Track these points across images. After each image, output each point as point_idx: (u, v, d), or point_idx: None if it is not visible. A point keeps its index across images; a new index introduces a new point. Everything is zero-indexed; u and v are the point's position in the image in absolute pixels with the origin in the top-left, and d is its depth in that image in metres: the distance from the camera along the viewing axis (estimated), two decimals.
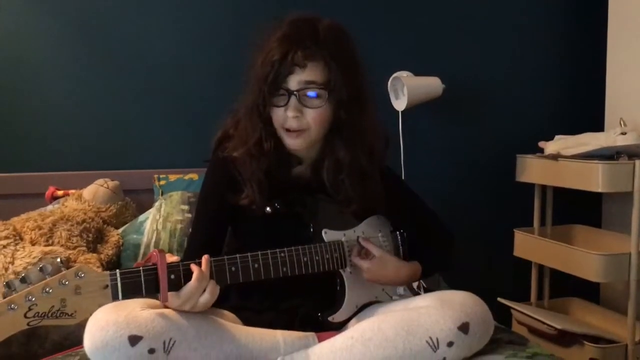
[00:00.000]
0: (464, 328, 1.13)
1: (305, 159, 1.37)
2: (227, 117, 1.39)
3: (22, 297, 0.99)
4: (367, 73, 1.34)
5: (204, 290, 1.12)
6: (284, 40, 1.25)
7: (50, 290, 1.00)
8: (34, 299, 0.99)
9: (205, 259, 1.13)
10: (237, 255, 1.17)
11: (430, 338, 1.12)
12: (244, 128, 1.33)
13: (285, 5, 1.32)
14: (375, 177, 1.36)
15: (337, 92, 1.27)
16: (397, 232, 1.44)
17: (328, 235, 1.31)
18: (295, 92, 1.25)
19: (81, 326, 1.07)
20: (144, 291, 1.08)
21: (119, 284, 1.06)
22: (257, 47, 1.29)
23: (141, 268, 1.08)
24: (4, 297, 0.99)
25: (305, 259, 1.24)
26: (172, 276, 1.10)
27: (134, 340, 1.05)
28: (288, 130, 1.29)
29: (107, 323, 1.06)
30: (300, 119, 1.27)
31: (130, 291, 1.07)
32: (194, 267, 1.11)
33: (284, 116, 1.27)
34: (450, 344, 1.12)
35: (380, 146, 1.40)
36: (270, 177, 1.32)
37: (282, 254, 1.22)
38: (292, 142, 1.30)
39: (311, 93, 1.26)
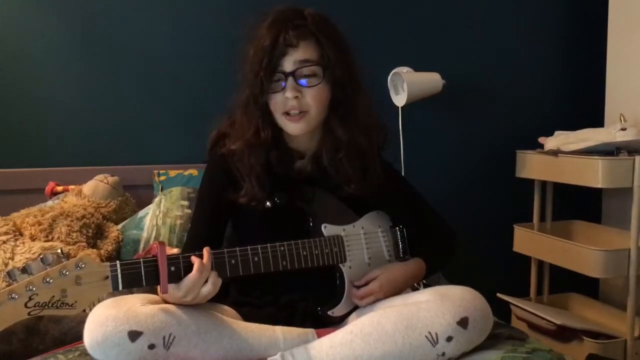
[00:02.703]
0: (463, 323, 1.13)
1: (306, 152, 1.37)
2: (222, 117, 1.38)
3: (23, 287, 0.99)
4: (357, 57, 1.35)
5: (206, 282, 1.13)
6: (273, 25, 1.26)
7: (51, 281, 1.01)
8: (34, 289, 1.00)
9: (206, 250, 1.13)
10: (237, 249, 1.18)
11: (430, 333, 1.12)
12: (240, 123, 1.33)
13: (285, 3, 1.32)
14: (374, 159, 1.37)
15: (332, 69, 1.27)
16: (397, 228, 1.44)
17: (328, 229, 1.32)
18: (291, 73, 1.25)
19: (81, 322, 1.08)
20: (144, 282, 1.09)
21: (119, 275, 1.06)
22: (247, 40, 1.30)
23: (141, 259, 1.09)
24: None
25: (304, 252, 1.25)
26: (172, 268, 1.10)
27: (134, 335, 1.06)
28: (288, 114, 1.28)
29: (106, 318, 1.06)
30: (300, 100, 1.27)
31: (131, 282, 1.08)
32: (194, 258, 1.11)
33: (283, 99, 1.27)
34: (449, 339, 1.12)
35: (378, 131, 1.40)
36: (271, 172, 1.33)
37: (282, 248, 1.22)
38: (294, 127, 1.30)
39: (307, 71, 1.26)
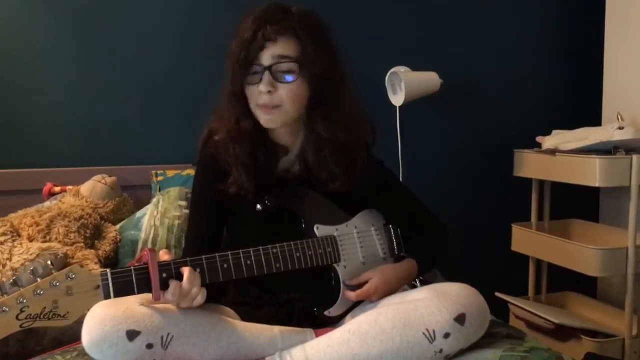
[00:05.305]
0: (460, 319, 1.13)
1: (290, 147, 1.37)
2: (210, 115, 1.38)
3: (14, 299, 0.99)
4: (342, 53, 1.34)
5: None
6: (255, 20, 1.27)
7: (42, 292, 1.00)
8: (25, 301, 0.99)
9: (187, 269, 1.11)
10: (229, 252, 1.17)
11: (427, 330, 1.12)
12: (224, 113, 1.33)
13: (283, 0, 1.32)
14: (361, 155, 1.36)
15: (310, 66, 1.27)
16: (390, 226, 1.44)
17: (320, 230, 1.31)
18: (268, 67, 1.25)
19: (79, 322, 1.08)
20: (135, 290, 1.08)
21: (110, 284, 1.06)
22: (233, 35, 1.30)
23: (132, 267, 1.08)
24: None
25: (297, 254, 1.24)
26: (164, 275, 1.09)
27: (131, 335, 1.06)
28: (261, 106, 1.29)
29: (105, 318, 1.06)
30: (272, 95, 1.26)
31: (122, 291, 1.07)
32: (184, 268, 1.11)
33: (257, 92, 1.27)
34: (446, 335, 1.13)
35: (365, 127, 1.39)
36: (260, 172, 1.32)
37: (274, 250, 1.21)
38: (266, 119, 1.30)
39: (284, 67, 1.26)
